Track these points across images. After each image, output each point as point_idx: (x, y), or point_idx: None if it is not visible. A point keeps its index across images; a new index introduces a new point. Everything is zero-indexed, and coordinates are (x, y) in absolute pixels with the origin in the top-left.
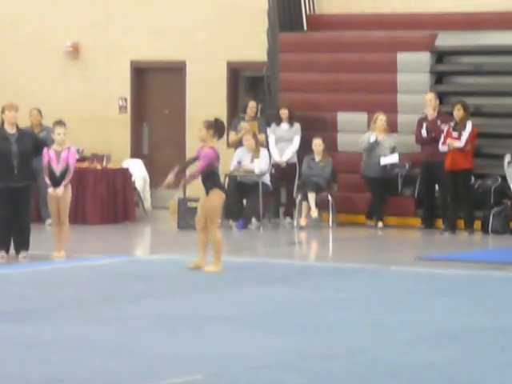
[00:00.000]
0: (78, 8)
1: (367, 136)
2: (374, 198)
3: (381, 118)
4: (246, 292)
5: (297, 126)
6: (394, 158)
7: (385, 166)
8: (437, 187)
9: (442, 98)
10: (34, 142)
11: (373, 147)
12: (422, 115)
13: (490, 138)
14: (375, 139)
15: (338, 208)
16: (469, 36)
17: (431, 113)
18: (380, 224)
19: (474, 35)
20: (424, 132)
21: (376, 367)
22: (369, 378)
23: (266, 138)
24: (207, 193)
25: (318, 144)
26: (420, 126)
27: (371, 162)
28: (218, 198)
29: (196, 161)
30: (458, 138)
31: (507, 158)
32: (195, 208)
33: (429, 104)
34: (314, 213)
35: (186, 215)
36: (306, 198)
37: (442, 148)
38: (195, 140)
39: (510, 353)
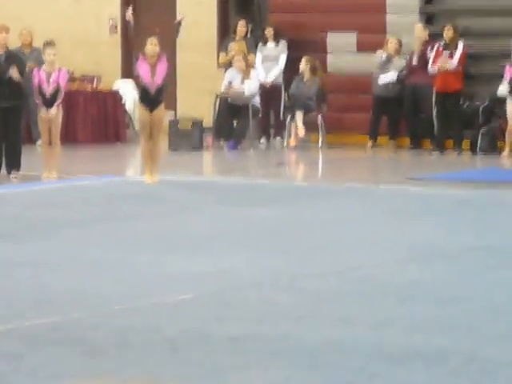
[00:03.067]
0: None
1: (379, 54)
2: (376, 116)
3: (391, 41)
4: (236, 212)
5: (283, 43)
6: (391, 76)
7: (385, 84)
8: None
9: (431, 18)
10: (20, 64)
11: (384, 64)
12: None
13: (478, 59)
14: (387, 56)
15: (327, 128)
16: None
17: (420, 48)
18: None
19: None
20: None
21: (366, 285)
22: (359, 296)
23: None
24: (157, 105)
25: (305, 62)
26: (410, 60)
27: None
28: (165, 110)
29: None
30: (450, 57)
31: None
32: (187, 129)
33: (417, 41)
34: (301, 131)
35: (177, 136)
36: (294, 117)
37: (432, 69)
38: (186, 62)
39: (497, 271)
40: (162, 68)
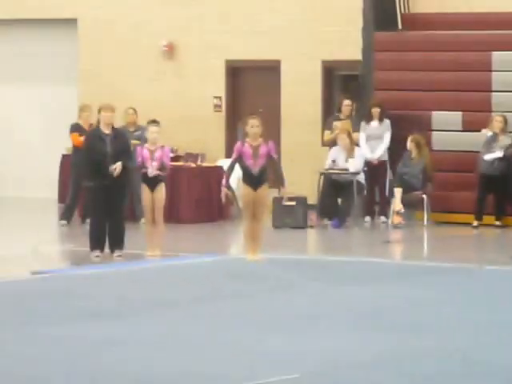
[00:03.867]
0: (174, 7)
1: (484, 132)
2: (482, 195)
3: (496, 119)
4: (342, 290)
5: (387, 122)
6: (497, 154)
7: (491, 161)
8: None
9: None
10: (126, 144)
11: (490, 143)
12: None
13: None
14: (492, 134)
15: (432, 207)
16: None
17: None
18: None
19: None
20: None
21: (473, 367)
22: (465, 379)
23: None
24: (261, 185)
25: (411, 141)
26: None
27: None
28: (268, 189)
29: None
30: None
31: None
32: (291, 206)
33: None
34: (398, 206)
35: (281, 214)
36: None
37: None
38: (290, 139)
39: None
40: (265, 150)
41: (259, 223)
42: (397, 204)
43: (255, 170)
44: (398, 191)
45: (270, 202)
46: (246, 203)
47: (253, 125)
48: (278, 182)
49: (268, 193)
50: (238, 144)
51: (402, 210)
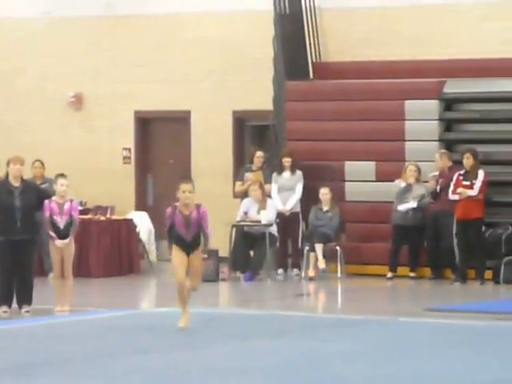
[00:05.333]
0: (81, 58)
1: (398, 183)
2: (396, 246)
3: (410, 168)
4: (252, 345)
5: (299, 173)
6: (411, 204)
7: (405, 212)
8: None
9: (451, 145)
10: (38, 195)
11: (403, 193)
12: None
13: (499, 186)
14: (406, 184)
15: (346, 258)
16: (477, 83)
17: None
18: (389, 274)
19: (482, 82)
20: (438, 188)
21: None
22: None
23: None
24: (194, 251)
25: (325, 193)
26: (434, 188)
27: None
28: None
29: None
30: (471, 187)
31: None
32: (202, 259)
33: (440, 168)
34: (322, 264)
35: None
36: (313, 248)
37: (453, 197)
38: (201, 190)
39: None
40: (196, 217)
41: (193, 287)
42: (320, 261)
43: (188, 238)
44: (318, 247)
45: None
46: (179, 264)
47: (185, 190)
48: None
49: (201, 259)
50: (169, 211)
51: (325, 267)
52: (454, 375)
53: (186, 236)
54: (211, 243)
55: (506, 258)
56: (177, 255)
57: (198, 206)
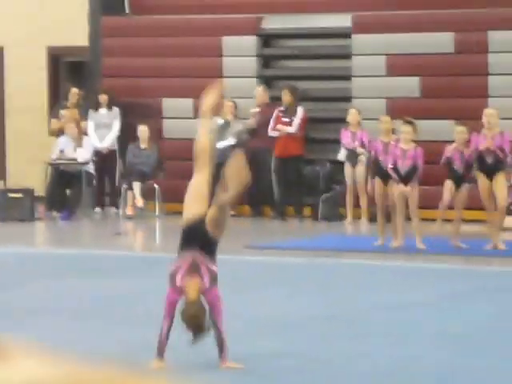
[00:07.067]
0: None
1: (216, 119)
2: None
3: (227, 104)
4: (67, 284)
5: (115, 110)
6: (229, 141)
7: (224, 149)
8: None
9: (270, 82)
10: None
11: (222, 130)
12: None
13: (318, 123)
14: (224, 122)
15: (164, 197)
16: (295, 19)
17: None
18: None
19: (301, 18)
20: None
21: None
22: (201, 368)
23: None
24: None
25: (142, 130)
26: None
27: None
28: None
29: None
30: (289, 124)
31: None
32: (17, 198)
33: (257, 105)
34: (140, 202)
35: (6, 206)
36: (131, 186)
37: (272, 133)
38: (15, 128)
39: (345, 340)
40: None
41: None
42: (138, 199)
43: None
44: (136, 185)
45: None
46: None
47: None
48: None
49: None
50: None
51: (143, 205)
52: (271, 312)
53: None
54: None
55: (324, 194)
56: None
57: None
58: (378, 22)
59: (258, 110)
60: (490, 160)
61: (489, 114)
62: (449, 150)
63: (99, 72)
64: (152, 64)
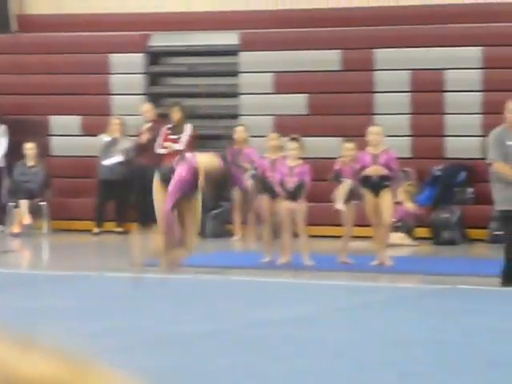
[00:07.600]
0: None
1: (102, 137)
2: (102, 201)
3: (114, 122)
4: None
5: (2, 127)
6: (117, 158)
7: (111, 166)
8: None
9: (157, 99)
10: None
11: (109, 147)
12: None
13: (205, 140)
14: (111, 139)
15: (52, 214)
16: (183, 36)
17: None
18: (96, 230)
19: (188, 36)
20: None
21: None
22: None
23: None
24: None
25: (30, 148)
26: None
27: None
28: None
29: None
30: (177, 141)
31: None
32: None
33: (145, 122)
34: (27, 220)
35: None
36: (18, 204)
37: (160, 150)
38: None
39: (229, 356)
40: None
41: None
42: (25, 217)
43: None
44: (23, 203)
45: None
46: None
47: None
48: None
49: None
50: None
51: (30, 223)
52: (151, 327)
53: None
54: None
55: (212, 211)
56: None
57: None
58: (265, 39)
59: (150, 125)
60: (374, 177)
61: (373, 132)
62: (338, 164)
63: None
64: (40, 81)
